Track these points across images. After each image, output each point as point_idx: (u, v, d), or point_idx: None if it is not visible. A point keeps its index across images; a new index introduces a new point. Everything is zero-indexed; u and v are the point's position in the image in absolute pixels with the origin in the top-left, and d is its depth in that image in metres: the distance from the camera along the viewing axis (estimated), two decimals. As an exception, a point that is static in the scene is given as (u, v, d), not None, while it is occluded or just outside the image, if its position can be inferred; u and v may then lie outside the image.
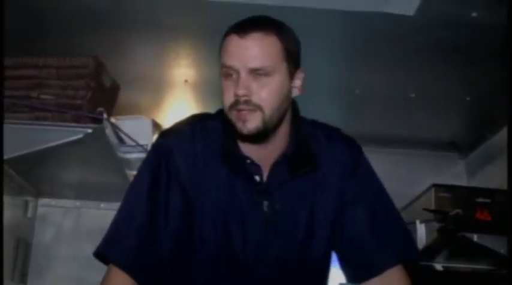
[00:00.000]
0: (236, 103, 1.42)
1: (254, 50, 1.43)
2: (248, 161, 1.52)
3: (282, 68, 1.46)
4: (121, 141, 2.84)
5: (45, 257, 3.46)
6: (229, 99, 1.44)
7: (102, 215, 3.55)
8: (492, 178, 3.52)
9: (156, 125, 3.30)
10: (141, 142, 2.97)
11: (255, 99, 1.42)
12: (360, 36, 2.58)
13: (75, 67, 2.38)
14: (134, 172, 3.23)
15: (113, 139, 2.66)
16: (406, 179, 3.58)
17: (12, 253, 3.20)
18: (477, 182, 3.67)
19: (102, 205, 3.55)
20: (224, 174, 1.51)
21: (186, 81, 3.02)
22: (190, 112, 3.42)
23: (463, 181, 3.80)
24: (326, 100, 3.00)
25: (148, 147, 3.07)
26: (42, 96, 2.37)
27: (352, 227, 1.57)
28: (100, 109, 2.37)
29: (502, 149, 3.42)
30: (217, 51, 2.69)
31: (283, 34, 1.48)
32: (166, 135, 1.59)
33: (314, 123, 1.64)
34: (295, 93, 1.53)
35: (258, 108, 1.42)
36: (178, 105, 3.38)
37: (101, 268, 3.59)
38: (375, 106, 3.23)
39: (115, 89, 2.63)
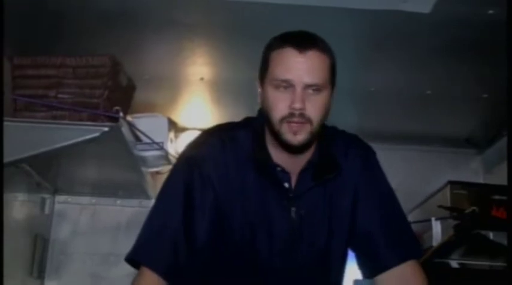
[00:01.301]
0: (290, 115, 1.49)
1: (312, 67, 1.51)
2: (279, 168, 1.59)
3: (329, 84, 1.55)
4: (137, 138, 2.87)
5: (62, 253, 3.52)
6: (282, 111, 1.50)
7: (118, 211, 3.61)
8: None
9: (172, 123, 3.32)
10: (157, 139, 3.01)
11: (307, 113, 1.50)
12: (375, 34, 2.57)
13: (92, 66, 2.42)
14: (150, 169, 3.28)
15: (129, 137, 2.69)
16: (423, 176, 3.57)
17: (30, 249, 3.25)
18: (493, 178, 3.64)
19: (118, 201, 3.60)
20: (255, 181, 1.58)
21: (201, 79, 3.03)
22: (206, 110, 3.49)
23: (479, 178, 3.78)
24: (342, 99, 2.95)
25: (165, 145, 3.11)
26: (60, 95, 2.41)
27: (363, 225, 1.64)
28: (116, 108, 2.40)
29: (519, 145, 3.41)
30: (232, 50, 2.75)
31: (330, 53, 1.57)
32: (196, 146, 1.65)
33: (334, 130, 1.72)
34: (330, 107, 1.60)
35: (309, 121, 1.50)
36: (194, 103, 3.39)
37: (116, 264, 3.65)
38: (390, 103, 3.22)
39: (131, 88, 2.66)
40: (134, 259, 1.58)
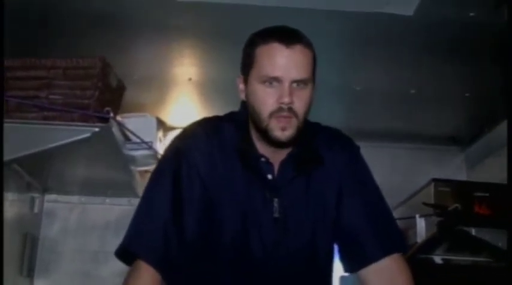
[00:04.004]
0: (279, 110, 1.51)
1: (298, 62, 1.52)
2: (263, 159, 1.60)
3: (312, 79, 1.57)
4: (126, 138, 2.90)
5: (52, 252, 3.53)
6: (271, 106, 1.52)
7: (107, 210, 3.63)
8: (491, 171, 3.58)
9: (160, 122, 3.36)
10: (146, 139, 3.03)
11: (295, 107, 1.51)
12: (361, 35, 2.62)
13: (83, 68, 2.44)
14: (139, 168, 3.32)
15: (119, 137, 2.71)
16: (407, 173, 3.64)
17: (20, 248, 3.27)
18: (476, 175, 3.72)
19: (107, 200, 3.61)
20: (240, 172, 1.59)
21: (189, 79, 3.07)
22: (194, 110, 3.52)
23: (462, 174, 3.85)
24: (329, 97, 3.04)
25: (154, 144, 3.14)
26: (51, 96, 2.42)
27: (348, 219, 1.65)
28: (107, 108, 2.42)
29: (500, 143, 3.48)
30: (220, 50, 2.78)
31: (312, 46, 1.58)
32: (182, 138, 1.67)
33: (317, 125, 1.73)
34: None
35: (296, 115, 1.52)
36: (181, 102, 3.43)
37: (105, 262, 3.66)
38: (375, 102, 3.28)
39: (121, 89, 2.68)
40: (126, 249, 1.58)
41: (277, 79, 1.51)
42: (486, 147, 3.66)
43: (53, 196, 3.57)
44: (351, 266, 1.67)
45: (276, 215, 1.59)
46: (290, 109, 1.50)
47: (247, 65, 1.58)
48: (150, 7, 2.49)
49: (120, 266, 3.79)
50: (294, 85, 1.51)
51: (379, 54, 2.77)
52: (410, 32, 2.52)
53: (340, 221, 1.65)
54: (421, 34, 2.54)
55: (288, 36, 1.54)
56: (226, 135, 1.62)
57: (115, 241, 3.79)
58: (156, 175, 1.65)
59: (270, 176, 1.61)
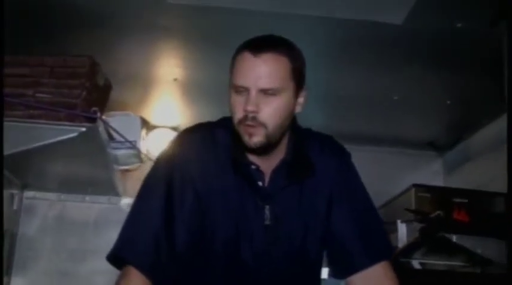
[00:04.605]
0: (245, 118, 1.50)
1: (266, 71, 1.50)
2: (253, 167, 1.61)
3: (289, 88, 1.54)
4: (111, 137, 2.89)
5: (30, 249, 3.50)
6: (239, 114, 1.52)
7: (86, 208, 3.61)
8: (468, 176, 3.65)
9: (144, 121, 3.36)
10: (130, 138, 3.04)
11: (261, 116, 1.50)
12: (348, 41, 2.65)
13: (71, 67, 2.42)
14: (121, 167, 3.31)
15: (104, 136, 2.70)
16: (387, 177, 3.68)
17: (-2, 245, 3.24)
18: (453, 180, 3.79)
19: (87, 198, 3.60)
20: (232, 180, 1.60)
21: (175, 79, 3.07)
22: (177, 110, 3.52)
23: (440, 179, 3.91)
24: (312, 101, 3.06)
25: (137, 143, 3.14)
26: (38, 95, 2.40)
27: (337, 226, 1.66)
28: (94, 108, 2.41)
29: (478, 150, 3.56)
30: (206, 52, 2.79)
31: (293, 54, 1.55)
32: (175, 145, 1.67)
33: (309, 132, 1.73)
34: (298, 109, 1.61)
35: (263, 125, 1.51)
36: (166, 102, 3.43)
37: (83, 260, 3.64)
38: (358, 107, 3.32)
39: (107, 88, 2.67)
40: (118, 256, 1.58)
41: (245, 88, 1.50)
42: (464, 153, 3.73)
43: (31, 193, 3.54)
44: (339, 272, 1.69)
45: (267, 222, 1.60)
46: (254, 118, 1.50)
47: (229, 72, 1.58)
48: (139, 7, 2.49)
49: (97, 265, 3.78)
50: (264, 94, 1.50)
51: (365, 61, 2.80)
52: (398, 40, 2.56)
53: (330, 229, 1.67)
54: (408, 42, 2.57)
55: (258, 45, 1.53)
56: (219, 142, 1.62)
57: (94, 239, 3.79)
58: (149, 182, 1.64)
59: (260, 184, 1.62)
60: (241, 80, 1.51)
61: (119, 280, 1.57)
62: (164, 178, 1.60)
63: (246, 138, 1.53)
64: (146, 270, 1.54)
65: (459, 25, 2.39)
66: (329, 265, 1.72)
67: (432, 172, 3.97)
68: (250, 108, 1.49)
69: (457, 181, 3.71)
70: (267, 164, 1.62)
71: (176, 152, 1.65)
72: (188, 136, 1.68)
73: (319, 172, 1.65)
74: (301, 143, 1.66)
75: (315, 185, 1.65)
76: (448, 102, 3.15)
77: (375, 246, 1.66)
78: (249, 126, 1.51)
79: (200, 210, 1.59)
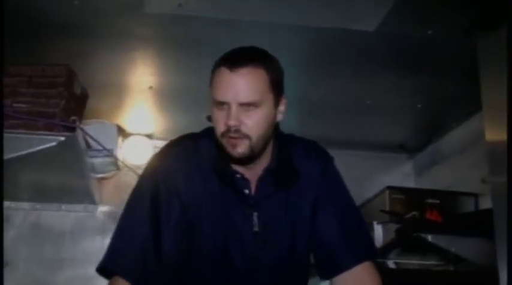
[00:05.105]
0: (227, 131, 1.55)
1: (244, 85, 1.53)
2: (238, 175, 1.65)
3: (269, 98, 1.57)
4: (88, 145, 2.90)
5: (6, 259, 3.47)
6: (221, 128, 1.56)
7: (62, 216, 3.60)
8: (438, 177, 3.74)
9: (120, 130, 3.36)
10: (107, 146, 3.04)
11: (243, 128, 1.54)
12: (322, 49, 2.70)
13: (48, 76, 2.43)
14: (98, 175, 3.31)
15: (83, 145, 2.71)
16: (359, 179, 3.71)
17: (-28, 256, 3.20)
18: (424, 181, 3.87)
19: (63, 206, 3.59)
20: (218, 189, 1.63)
21: (150, 87, 3.08)
22: (152, 117, 3.53)
23: (411, 181, 3.99)
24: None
25: (114, 152, 3.15)
26: (15, 104, 2.41)
27: (323, 228, 1.71)
28: (73, 117, 2.42)
29: (447, 152, 3.65)
30: (181, 61, 2.82)
31: (270, 66, 1.59)
32: (160, 158, 1.70)
33: (292, 138, 1.77)
34: (280, 118, 1.65)
35: (246, 136, 1.55)
36: (141, 109, 3.44)
37: (60, 269, 3.62)
38: (331, 112, 3.37)
39: (84, 97, 2.69)
40: (107, 268, 1.61)
41: (225, 103, 1.54)
42: (434, 155, 3.82)
43: (6, 203, 3.49)
44: (326, 273, 1.74)
45: (256, 229, 1.65)
46: (237, 131, 1.54)
47: (209, 86, 1.61)
48: (114, 16, 2.50)
49: (74, 273, 3.76)
50: (245, 107, 1.53)
51: (338, 67, 2.86)
52: (370, 46, 2.62)
53: (315, 232, 1.72)
54: (380, 49, 2.64)
55: (234, 60, 1.55)
56: (203, 153, 1.66)
57: (70, 248, 3.76)
58: (135, 195, 1.68)
59: (247, 191, 1.66)
60: (221, 96, 1.54)
61: None
62: (150, 191, 1.64)
63: (230, 149, 1.57)
64: (135, 281, 1.58)
65: (430, 32, 2.45)
66: (316, 266, 1.77)
67: (403, 174, 4.05)
68: (232, 122, 1.53)
69: (427, 182, 3.80)
70: (252, 173, 1.66)
71: (160, 165, 1.68)
72: (171, 149, 1.71)
73: (303, 177, 1.70)
74: (285, 149, 1.70)
75: (300, 190, 1.70)
76: (419, 105, 3.22)
77: (359, 246, 1.72)
78: (232, 138, 1.55)
79: (187, 221, 1.62)
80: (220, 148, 1.60)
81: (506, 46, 1.84)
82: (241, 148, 1.56)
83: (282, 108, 1.63)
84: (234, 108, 1.53)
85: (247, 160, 1.61)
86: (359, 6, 2.33)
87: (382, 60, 2.75)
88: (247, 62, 1.55)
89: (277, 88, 1.60)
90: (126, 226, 1.65)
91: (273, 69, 1.59)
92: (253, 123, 1.55)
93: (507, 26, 1.87)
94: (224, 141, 1.57)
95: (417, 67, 2.80)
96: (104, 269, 1.63)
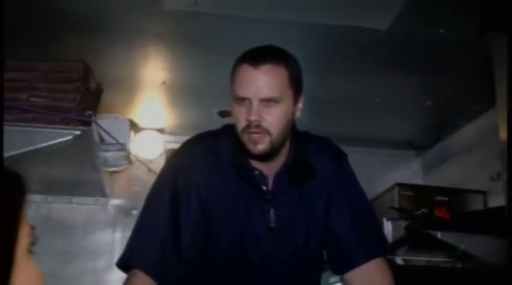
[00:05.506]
0: (248, 127, 1.59)
1: (266, 82, 1.57)
2: (257, 172, 1.69)
3: (288, 95, 1.62)
4: (101, 139, 2.93)
5: (17, 251, 3.50)
6: (242, 123, 1.60)
7: (74, 209, 3.64)
8: (446, 175, 3.76)
9: (132, 124, 3.40)
10: (119, 140, 3.07)
11: (264, 124, 1.58)
12: (331, 46, 2.72)
13: (65, 71, 2.46)
14: (110, 169, 3.34)
15: (97, 139, 2.75)
16: (368, 176, 3.73)
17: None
18: (432, 179, 3.89)
19: (74, 199, 3.63)
20: (236, 186, 1.67)
21: (163, 82, 3.11)
22: (164, 112, 3.55)
23: (419, 178, 4.01)
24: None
25: (127, 146, 3.18)
26: (32, 99, 2.44)
27: (336, 225, 1.75)
28: (89, 112, 2.45)
29: (456, 149, 3.67)
30: (194, 56, 2.84)
31: (290, 64, 1.64)
32: (180, 155, 1.75)
33: (307, 135, 1.82)
34: (297, 115, 1.69)
35: (267, 132, 1.59)
36: (153, 104, 3.47)
37: (72, 261, 3.66)
38: (341, 109, 3.39)
39: (99, 92, 2.72)
40: (127, 263, 1.66)
41: (246, 99, 1.58)
42: (442, 153, 3.84)
43: (18, 195, 3.53)
44: (338, 269, 1.79)
45: (272, 224, 1.69)
46: (258, 126, 1.57)
47: (230, 83, 1.66)
48: (128, 13, 2.52)
49: (85, 266, 3.81)
50: (266, 103, 1.57)
51: (349, 64, 2.88)
52: (382, 44, 2.63)
53: (329, 227, 1.76)
54: (392, 47, 2.65)
55: (256, 56, 1.60)
56: (222, 150, 1.70)
57: (81, 241, 3.80)
58: (155, 191, 1.72)
59: (264, 188, 1.70)
60: (243, 91, 1.58)
61: (126, 283, 1.64)
62: (169, 187, 1.68)
63: (250, 146, 1.60)
64: (155, 275, 1.62)
65: (442, 30, 2.47)
66: (329, 262, 1.81)
67: (411, 171, 4.07)
68: (253, 117, 1.57)
69: (435, 180, 3.82)
70: (269, 169, 1.70)
71: (180, 161, 1.72)
72: (191, 146, 1.76)
73: (317, 173, 1.74)
74: (301, 146, 1.74)
75: (314, 186, 1.74)
76: (429, 103, 3.24)
77: (371, 243, 1.76)
78: (253, 133, 1.58)
79: (205, 216, 1.67)
80: (240, 145, 1.64)
81: (507, 46, 1.86)
82: (261, 145, 1.59)
83: (300, 105, 1.68)
84: (255, 103, 1.57)
85: (267, 156, 1.65)
86: (372, 4, 2.35)
87: (393, 58, 2.77)
88: (269, 59, 1.59)
89: (296, 85, 1.64)
90: (146, 221, 1.69)
91: (292, 66, 1.64)
92: (274, 119, 1.58)
93: (508, 26, 1.88)
94: (245, 138, 1.60)
95: (427, 65, 2.81)
96: (124, 264, 1.67)
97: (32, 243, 0.95)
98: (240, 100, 1.59)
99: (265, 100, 1.57)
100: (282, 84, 1.59)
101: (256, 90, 1.57)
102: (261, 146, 1.60)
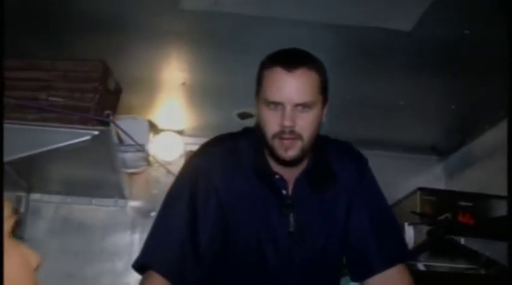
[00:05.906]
0: (281, 132, 1.56)
1: (300, 86, 1.55)
2: (277, 176, 1.66)
3: (319, 100, 1.61)
4: (120, 140, 2.92)
5: (37, 251, 3.50)
6: (274, 128, 1.57)
7: (93, 210, 3.63)
8: (470, 180, 3.69)
9: (151, 125, 3.38)
10: (138, 141, 3.06)
11: (297, 129, 1.56)
12: (355, 47, 2.68)
13: (84, 71, 2.45)
14: (129, 170, 3.33)
15: (115, 139, 2.73)
16: (390, 180, 3.67)
17: (4, 247, 3.24)
18: (455, 184, 3.82)
19: (93, 200, 3.62)
20: (256, 189, 1.65)
21: (183, 83, 3.09)
22: (183, 113, 3.54)
23: (441, 183, 3.95)
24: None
25: (146, 147, 3.17)
26: (51, 98, 2.43)
27: (356, 231, 1.73)
28: (107, 112, 2.44)
29: (480, 154, 3.60)
30: (214, 57, 2.82)
31: (320, 68, 1.62)
32: (199, 157, 1.73)
33: (327, 139, 1.79)
34: (323, 119, 1.67)
35: (299, 137, 1.57)
36: (172, 106, 3.45)
37: (90, 262, 3.66)
38: (363, 111, 3.34)
39: (118, 92, 2.70)
40: (145, 264, 1.64)
41: (279, 103, 1.55)
42: (465, 158, 3.77)
43: (37, 195, 3.56)
44: (358, 275, 1.75)
45: (291, 229, 1.66)
46: (292, 132, 1.55)
47: (257, 86, 1.64)
48: (149, 13, 2.51)
49: (104, 267, 3.81)
50: (299, 108, 1.55)
51: (372, 66, 2.83)
52: (406, 46, 2.59)
53: (348, 234, 1.73)
54: (416, 49, 2.60)
55: (290, 60, 1.57)
56: (242, 152, 1.68)
57: (100, 242, 3.81)
58: (173, 192, 1.71)
59: (284, 192, 1.67)
60: (275, 96, 1.55)
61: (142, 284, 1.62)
62: (188, 188, 1.67)
63: (281, 152, 1.58)
64: (172, 277, 1.60)
65: (467, 32, 2.42)
66: (348, 268, 1.78)
67: (434, 176, 4.01)
68: (287, 122, 1.54)
69: (458, 185, 3.75)
70: (289, 174, 1.68)
71: (199, 163, 1.70)
72: (211, 148, 1.74)
73: (338, 179, 1.72)
74: (322, 151, 1.72)
75: (334, 192, 1.71)
76: (453, 106, 3.18)
77: (392, 249, 1.73)
78: (286, 138, 1.56)
79: (223, 218, 1.65)
80: (269, 149, 1.61)
81: (507, 45, 1.81)
82: (292, 151, 1.57)
83: (325, 110, 1.66)
84: (288, 108, 1.54)
85: (297, 162, 1.63)
86: (396, 5, 2.31)
87: (417, 60, 2.72)
88: (302, 63, 1.57)
89: (325, 90, 1.63)
90: (164, 223, 1.68)
91: (322, 71, 1.63)
92: (306, 124, 1.56)
93: (508, 26, 1.83)
94: (276, 143, 1.58)
95: (452, 67, 2.76)
96: (141, 265, 1.65)
97: (15, 225, 0.89)
98: (272, 104, 1.56)
99: (299, 105, 1.55)
100: (314, 89, 1.57)
101: (290, 95, 1.54)
102: (292, 152, 1.58)
